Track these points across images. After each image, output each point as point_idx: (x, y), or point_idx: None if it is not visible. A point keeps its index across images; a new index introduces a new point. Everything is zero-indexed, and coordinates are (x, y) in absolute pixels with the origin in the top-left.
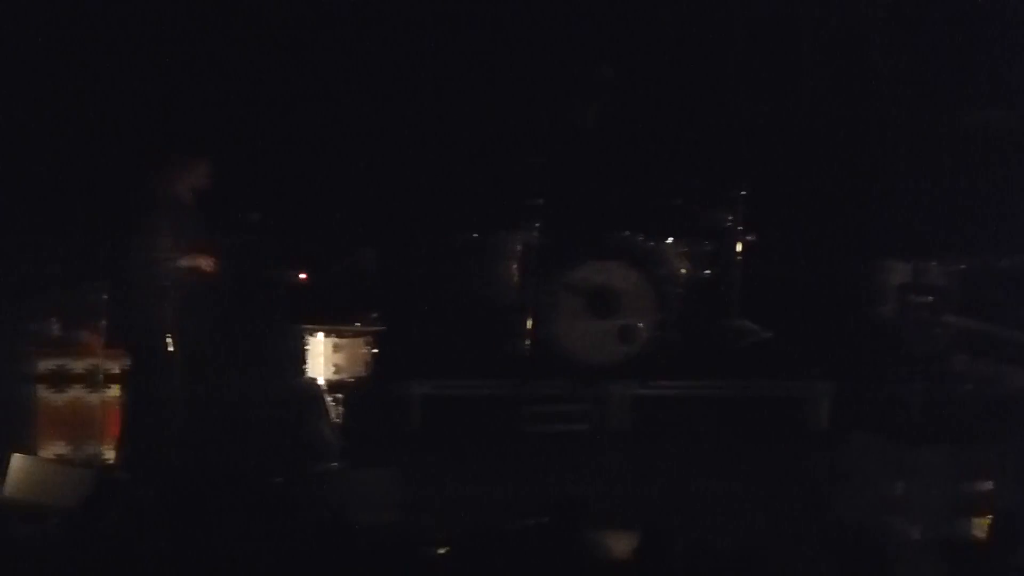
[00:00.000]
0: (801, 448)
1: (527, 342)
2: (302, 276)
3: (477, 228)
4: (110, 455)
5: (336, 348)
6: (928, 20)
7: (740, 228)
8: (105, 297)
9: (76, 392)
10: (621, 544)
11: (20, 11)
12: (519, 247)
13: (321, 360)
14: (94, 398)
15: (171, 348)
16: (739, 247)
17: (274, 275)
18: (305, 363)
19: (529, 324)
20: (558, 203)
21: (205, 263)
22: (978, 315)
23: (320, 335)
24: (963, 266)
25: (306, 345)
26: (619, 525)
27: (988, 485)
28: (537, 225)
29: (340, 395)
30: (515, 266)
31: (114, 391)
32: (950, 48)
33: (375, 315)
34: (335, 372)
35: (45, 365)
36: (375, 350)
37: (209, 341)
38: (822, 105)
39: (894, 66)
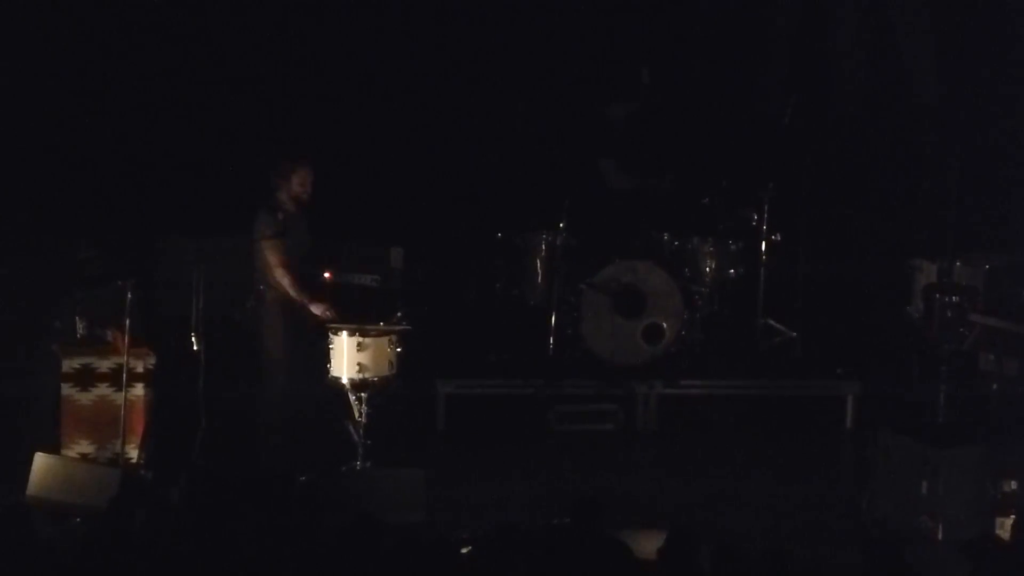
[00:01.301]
0: (827, 448)
1: (553, 341)
2: (327, 275)
3: (503, 228)
4: (134, 454)
5: (360, 347)
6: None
7: (766, 227)
8: (131, 296)
9: (101, 391)
10: (646, 544)
11: None
12: (545, 246)
13: (345, 359)
14: (119, 397)
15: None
16: (764, 247)
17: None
18: (330, 362)
19: (554, 323)
20: (586, 203)
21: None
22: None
23: (344, 334)
24: (988, 265)
25: (331, 344)
26: (645, 524)
27: (1013, 485)
28: (563, 224)
29: (364, 394)
30: (542, 265)
31: (138, 390)
32: None
33: (400, 314)
34: (359, 371)
35: (70, 364)
36: (399, 349)
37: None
38: (849, 104)
39: (921, 62)
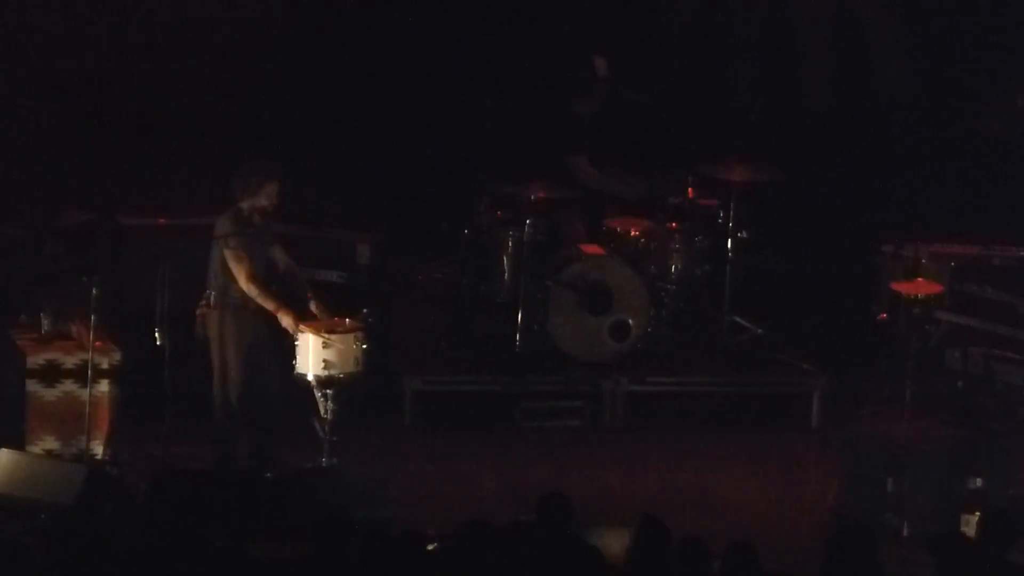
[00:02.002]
0: (793, 444)
1: (520, 338)
2: None
3: (469, 223)
4: (99, 450)
5: (326, 345)
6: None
7: (732, 224)
8: (96, 292)
9: (66, 387)
10: (613, 541)
11: None
12: (512, 242)
13: (311, 356)
14: (84, 393)
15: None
16: (731, 243)
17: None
18: (295, 359)
19: (521, 319)
20: (550, 199)
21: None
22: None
23: (309, 331)
24: (953, 263)
25: (297, 341)
26: (612, 521)
27: (979, 482)
28: (529, 220)
29: (330, 391)
30: (508, 261)
31: (104, 386)
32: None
33: (366, 311)
34: (324, 368)
35: (35, 360)
36: (365, 346)
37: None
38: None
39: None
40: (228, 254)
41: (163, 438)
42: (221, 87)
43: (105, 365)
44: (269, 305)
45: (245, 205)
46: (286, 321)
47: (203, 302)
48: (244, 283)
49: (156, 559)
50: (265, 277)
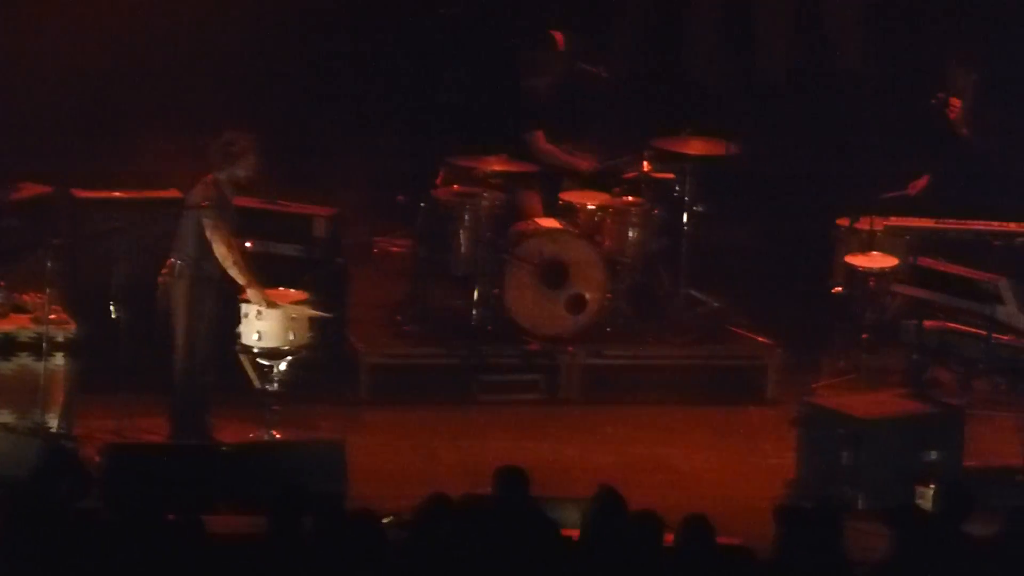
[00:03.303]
0: (749, 417)
1: (476, 311)
2: (248, 244)
3: (426, 196)
4: (55, 423)
5: (260, 316)
6: None
7: (688, 198)
8: (51, 265)
9: (22, 360)
10: (569, 513)
11: None
12: (469, 215)
13: (251, 327)
14: (39, 366)
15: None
16: (687, 217)
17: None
18: (240, 330)
19: (478, 293)
20: (507, 173)
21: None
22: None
23: (249, 303)
24: (909, 236)
25: (245, 312)
26: (569, 494)
27: (933, 455)
28: (486, 194)
29: (274, 363)
30: (466, 234)
31: (59, 359)
32: None
33: (308, 277)
34: (259, 339)
35: None
36: (313, 316)
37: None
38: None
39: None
40: (207, 224)
41: (118, 411)
42: (176, 61)
43: (60, 338)
44: (242, 277)
45: (222, 175)
46: (256, 296)
47: (165, 271)
48: (223, 254)
49: (111, 533)
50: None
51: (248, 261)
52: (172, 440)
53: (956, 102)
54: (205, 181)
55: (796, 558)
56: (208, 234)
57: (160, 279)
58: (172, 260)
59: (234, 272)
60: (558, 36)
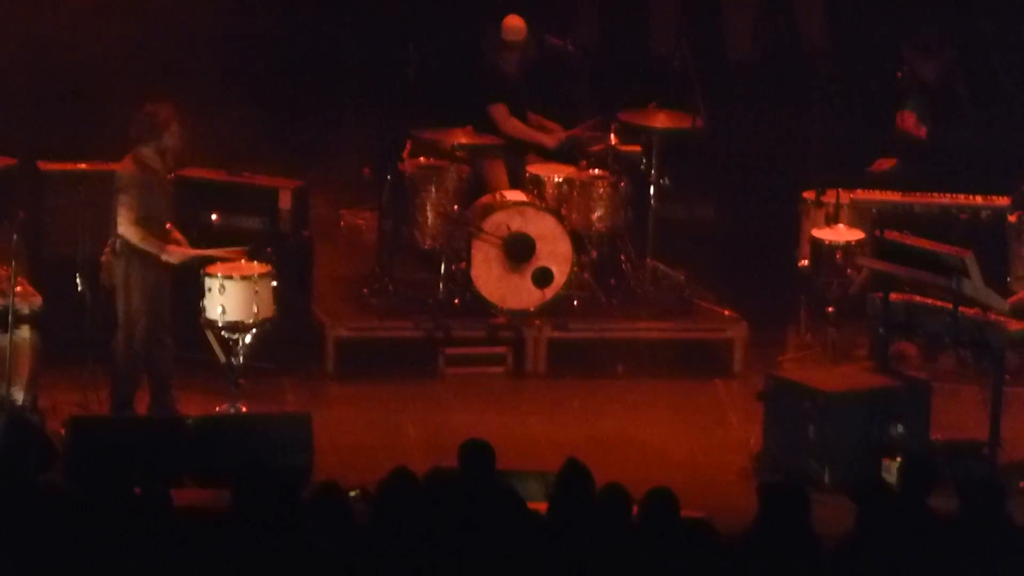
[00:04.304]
0: (715, 391)
1: (443, 285)
2: (214, 217)
3: (392, 169)
4: (20, 396)
5: (223, 290)
6: None
7: (654, 171)
8: (16, 238)
9: None
10: (535, 488)
11: None
12: (435, 188)
13: (213, 301)
14: (4, 339)
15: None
16: (652, 191)
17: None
18: (204, 304)
19: (444, 266)
20: (473, 146)
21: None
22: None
23: (219, 274)
24: (875, 210)
25: (208, 287)
26: (534, 468)
27: (900, 428)
28: (452, 167)
29: (236, 336)
30: (431, 208)
31: (24, 332)
32: None
33: (269, 250)
34: (223, 313)
35: None
36: (273, 287)
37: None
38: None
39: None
40: (119, 199)
41: (84, 384)
42: (140, 30)
43: (26, 311)
44: (152, 249)
45: (148, 149)
46: (174, 256)
47: (107, 249)
48: (125, 228)
49: (77, 506)
50: (161, 220)
51: (164, 232)
52: (112, 414)
53: (909, 115)
54: (126, 159)
55: (770, 533)
56: (117, 210)
57: (103, 257)
58: (112, 238)
59: (144, 247)
60: (520, 21)
